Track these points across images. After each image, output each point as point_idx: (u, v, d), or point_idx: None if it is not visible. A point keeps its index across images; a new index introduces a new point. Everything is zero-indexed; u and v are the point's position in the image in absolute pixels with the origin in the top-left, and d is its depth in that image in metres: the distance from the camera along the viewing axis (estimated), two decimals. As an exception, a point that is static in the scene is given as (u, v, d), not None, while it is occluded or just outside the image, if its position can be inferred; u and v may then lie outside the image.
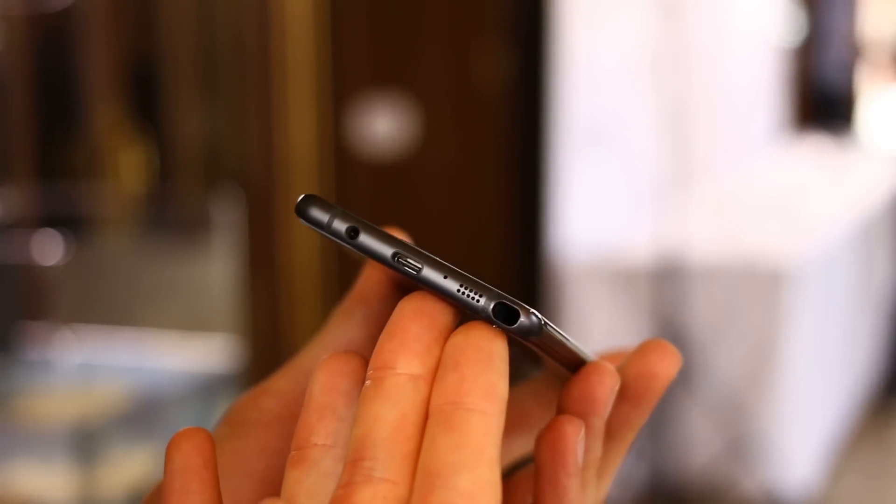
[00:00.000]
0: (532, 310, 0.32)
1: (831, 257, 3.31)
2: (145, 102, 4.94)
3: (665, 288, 2.90)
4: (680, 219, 3.11)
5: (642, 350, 0.38)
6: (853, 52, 4.69)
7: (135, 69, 4.96)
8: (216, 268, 4.15)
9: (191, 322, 4.03)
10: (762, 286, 2.91)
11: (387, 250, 0.33)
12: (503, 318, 0.32)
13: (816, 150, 4.87)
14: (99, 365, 3.73)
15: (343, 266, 2.76)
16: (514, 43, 2.83)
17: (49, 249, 4.26)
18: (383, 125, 2.86)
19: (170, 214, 4.93)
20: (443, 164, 2.84)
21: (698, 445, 2.86)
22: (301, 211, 0.34)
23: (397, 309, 0.33)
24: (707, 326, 2.91)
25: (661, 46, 3.15)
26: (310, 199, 0.34)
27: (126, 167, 4.91)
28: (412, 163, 2.84)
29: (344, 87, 2.87)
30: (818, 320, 3.15)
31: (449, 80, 2.83)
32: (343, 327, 0.39)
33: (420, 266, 0.32)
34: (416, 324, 0.32)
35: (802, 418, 3.00)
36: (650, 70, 3.24)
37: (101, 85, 4.84)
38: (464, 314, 0.33)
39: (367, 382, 0.32)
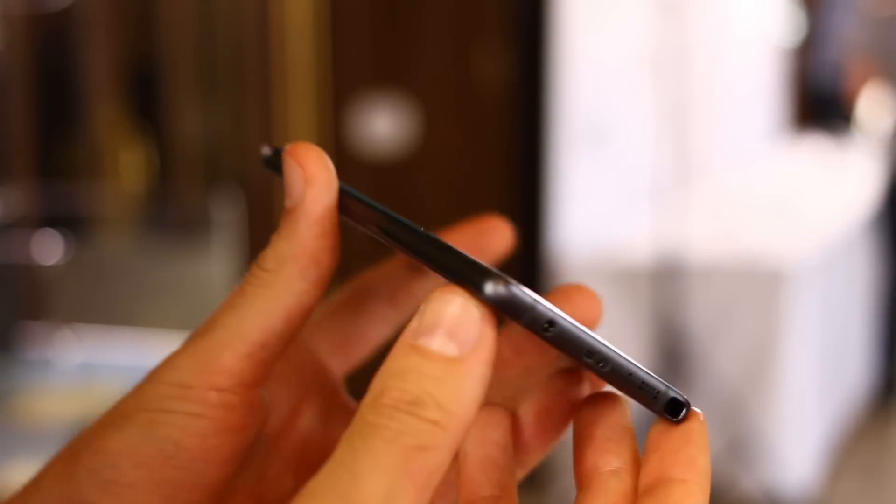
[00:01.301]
0: (684, 398, 0.34)
1: (830, 257, 3.31)
2: (145, 102, 4.95)
3: (665, 287, 2.90)
4: (680, 218, 3.12)
5: (566, 295, 0.39)
6: (850, 52, 4.70)
7: (135, 69, 4.96)
8: (216, 268, 4.15)
9: (191, 322, 4.03)
10: (761, 286, 2.91)
11: (581, 346, 0.32)
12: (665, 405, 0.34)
13: (816, 149, 4.88)
14: (99, 364, 3.73)
15: (342, 264, 2.76)
16: (514, 42, 2.83)
17: (49, 249, 4.26)
18: (383, 125, 2.86)
19: (170, 214, 4.94)
20: (443, 164, 2.84)
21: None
22: (504, 298, 0.31)
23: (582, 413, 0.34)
24: (706, 326, 2.92)
25: (660, 46, 3.15)
26: (509, 286, 0.31)
27: (126, 167, 4.92)
28: (412, 162, 2.85)
29: (344, 86, 2.87)
30: (817, 320, 3.16)
31: (449, 79, 2.83)
32: (295, 292, 0.36)
33: (608, 361, 0.33)
34: (607, 430, 0.34)
35: (801, 418, 3.01)
36: (650, 70, 3.24)
37: (101, 85, 4.85)
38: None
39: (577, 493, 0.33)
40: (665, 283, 2.90)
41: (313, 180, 0.36)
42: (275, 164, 0.38)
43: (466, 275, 0.31)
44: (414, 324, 0.30)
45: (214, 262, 4.28)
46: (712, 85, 3.97)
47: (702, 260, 2.96)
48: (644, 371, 0.33)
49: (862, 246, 3.78)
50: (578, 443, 0.34)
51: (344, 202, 0.37)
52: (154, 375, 0.36)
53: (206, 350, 0.36)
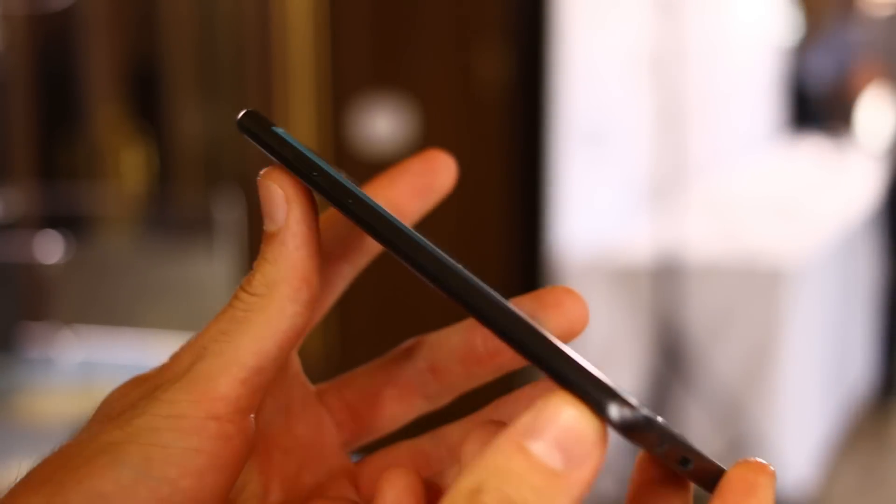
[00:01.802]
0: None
1: (829, 257, 3.32)
2: (146, 103, 4.95)
3: (664, 287, 2.91)
4: (679, 218, 3.12)
5: (556, 300, 0.38)
6: (852, 53, 4.70)
7: (135, 70, 4.96)
8: (216, 268, 4.15)
9: (191, 322, 4.04)
10: (760, 285, 2.91)
11: (679, 455, 0.32)
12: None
13: (814, 149, 4.88)
14: (99, 364, 3.74)
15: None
16: (514, 43, 2.84)
17: (50, 249, 4.26)
18: (383, 125, 2.86)
19: (170, 214, 4.94)
20: (442, 164, 2.84)
21: (696, 443, 2.86)
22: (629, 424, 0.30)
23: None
24: (705, 326, 2.92)
25: (660, 47, 3.15)
26: (636, 413, 0.30)
27: (127, 167, 4.92)
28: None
29: (344, 87, 2.87)
30: (816, 319, 3.16)
31: (449, 80, 2.84)
32: (289, 315, 0.35)
33: (691, 463, 0.33)
34: (664, 478, 0.34)
35: (800, 417, 3.01)
36: (649, 70, 3.24)
37: (101, 85, 4.85)
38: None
39: None
40: (664, 282, 2.90)
41: (295, 200, 0.36)
42: (247, 128, 0.37)
43: (588, 391, 0.30)
44: (526, 420, 0.29)
45: (215, 262, 4.29)
46: (711, 85, 3.97)
47: (701, 260, 2.96)
48: (698, 452, 0.33)
49: (861, 245, 3.79)
50: (633, 484, 0.34)
51: (361, 216, 0.35)
52: (145, 408, 0.34)
53: (200, 378, 0.35)
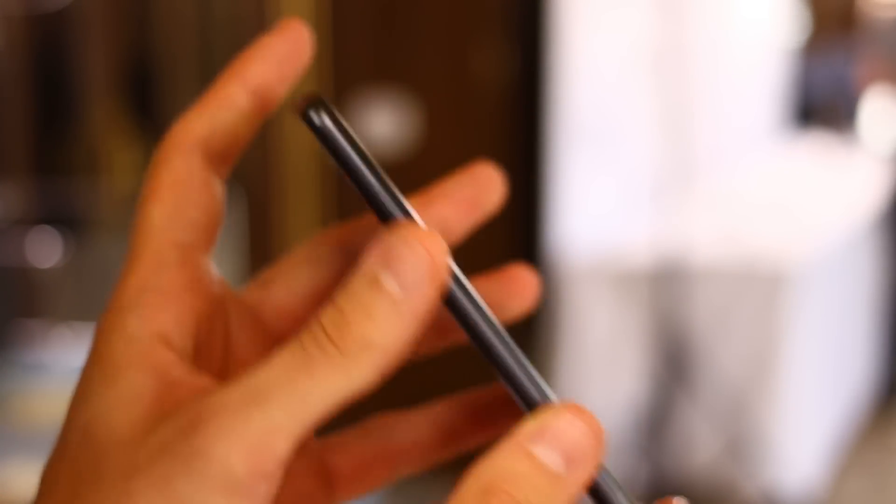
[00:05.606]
0: None
1: (832, 258, 3.30)
2: (143, 101, 4.94)
3: (665, 288, 2.89)
4: (680, 219, 3.10)
5: (520, 287, 0.40)
6: (854, 52, 4.69)
7: (133, 67, 4.95)
8: (215, 268, 4.14)
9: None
10: (763, 287, 2.90)
11: None
12: None
13: (818, 150, 4.86)
14: (97, 365, 3.71)
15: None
16: (515, 41, 2.82)
17: (47, 248, 4.25)
18: (383, 123, 2.85)
19: (169, 214, 4.92)
20: (442, 163, 2.82)
21: (699, 446, 2.85)
22: None
23: None
24: (707, 327, 2.90)
25: (661, 45, 3.13)
26: None
27: (124, 165, 4.91)
28: (412, 161, 2.83)
29: (344, 84, 2.86)
30: (819, 321, 3.14)
31: (449, 78, 2.82)
32: (368, 383, 0.30)
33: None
34: None
35: (804, 419, 2.99)
36: (651, 69, 3.22)
37: (98, 83, 4.84)
38: None
39: None
40: (666, 284, 2.89)
41: (438, 276, 0.30)
42: (315, 127, 0.31)
43: None
44: (532, 428, 0.31)
45: (214, 261, 4.27)
46: (713, 84, 3.95)
47: (703, 261, 2.94)
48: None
49: (865, 247, 3.77)
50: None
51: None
52: (187, 460, 0.29)
53: (255, 431, 0.29)
